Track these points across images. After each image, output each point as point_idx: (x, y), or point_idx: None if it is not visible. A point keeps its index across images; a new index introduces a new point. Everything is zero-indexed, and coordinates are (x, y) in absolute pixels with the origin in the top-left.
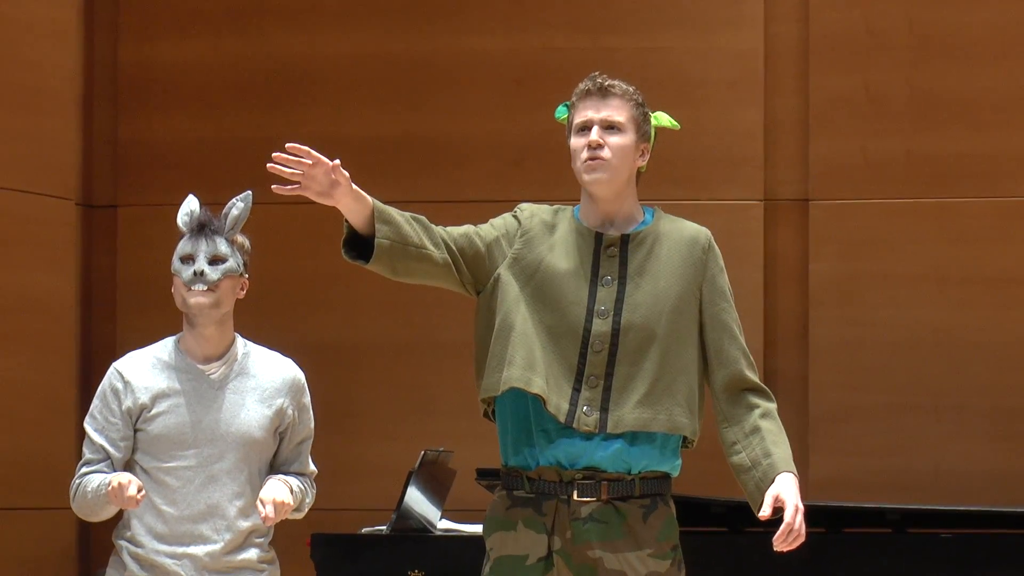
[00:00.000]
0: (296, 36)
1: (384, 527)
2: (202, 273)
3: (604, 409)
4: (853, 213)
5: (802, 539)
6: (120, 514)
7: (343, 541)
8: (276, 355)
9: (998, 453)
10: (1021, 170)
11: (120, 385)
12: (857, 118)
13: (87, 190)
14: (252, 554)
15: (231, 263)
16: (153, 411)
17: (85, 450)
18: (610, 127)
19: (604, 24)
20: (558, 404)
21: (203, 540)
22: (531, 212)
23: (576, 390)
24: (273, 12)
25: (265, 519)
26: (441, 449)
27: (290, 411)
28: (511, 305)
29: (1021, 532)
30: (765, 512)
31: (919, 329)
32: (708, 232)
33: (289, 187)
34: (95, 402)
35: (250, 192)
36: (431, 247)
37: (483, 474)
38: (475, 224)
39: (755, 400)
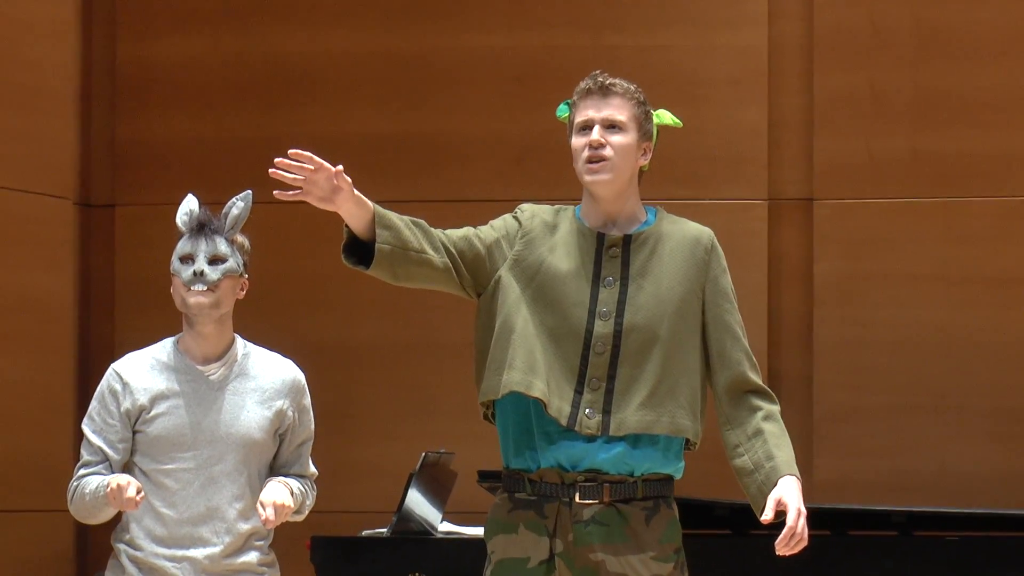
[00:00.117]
0: (296, 34)
1: (385, 529)
2: (202, 273)
3: (606, 412)
4: (857, 212)
5: (804, 543)
6: (119, 516)
7: (343, 543)
8: (276, 356)
9: (1003, 454)
10: None
11: (119, 386)
12: (861, 117)
13: (85, 189)
14: (252, 557)
15: (231, 263)
16: (152, 413)
17: (83, 452)
18: (612, 126)
19: (606, 22)
20: (560, 407)
21: (203, 543)
22: (532, 213)
23: (578, 392)
24: (272, 10)
25: (265, 522)
26: (442, 451)
27: (290, 413)
28: (512, 307)
29: None
30: (767, 516)
31: (924, 329)
32: (711, 233)
33: (291, 192)
34: (93, 403)
35: (250, 191)
36: (431, 251)
37: (484, 476)
38: (475, 226)
39: (758, 402)
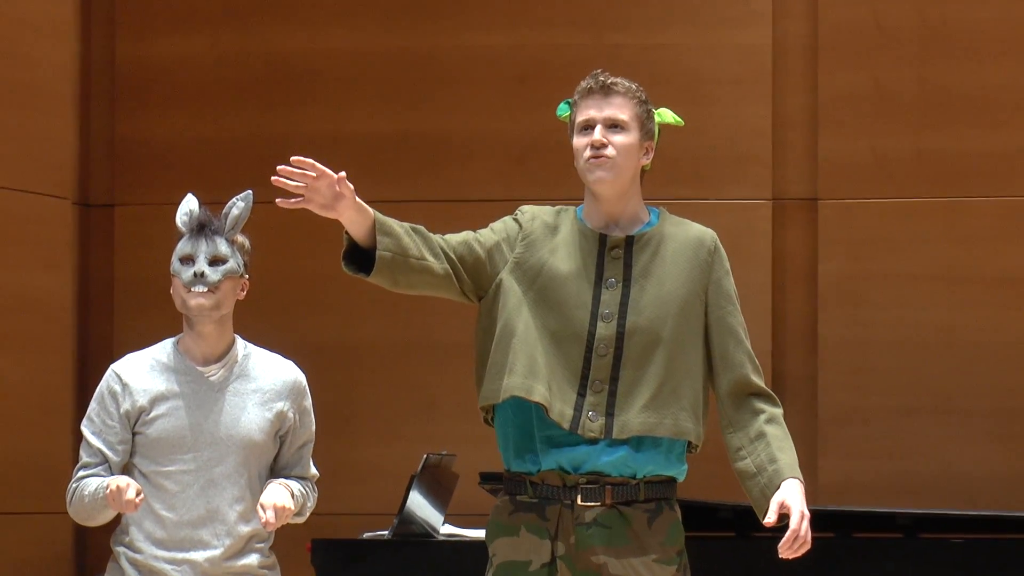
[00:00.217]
0: (296, 33)
1: (386, 532)
2: (202, 274)
3: (609, 414)
4: (862, 212)
5: (807, 546)
6: (118, 519)
7: (344, 546)
8: (277, 357)
9: (1008, 455)
10: None
11: (118, 388)
12: (866, 116)
13: (84, 189)
14: (253, 559)
15: (231, 264)
16: (152, 414)
17: (82, 453)
18: (613, 126)
19: (608, 20)
20: (562, 411)
21: (203, 545)
22: (532, 214)
23: (581, 395)
24: (272, 9)
25: (266, 524)
26: (444, 453)
27: (291, 414)
28: (512, 310)
29: None
30: (770, 519)
31: (928, 329)
32: (714, 234)
33: (293, 200)
34: (92, 405)
35: (250, 191)
36: (431, 258)
37: (486, 478)
38: (475, 229)
39: (760, 405)
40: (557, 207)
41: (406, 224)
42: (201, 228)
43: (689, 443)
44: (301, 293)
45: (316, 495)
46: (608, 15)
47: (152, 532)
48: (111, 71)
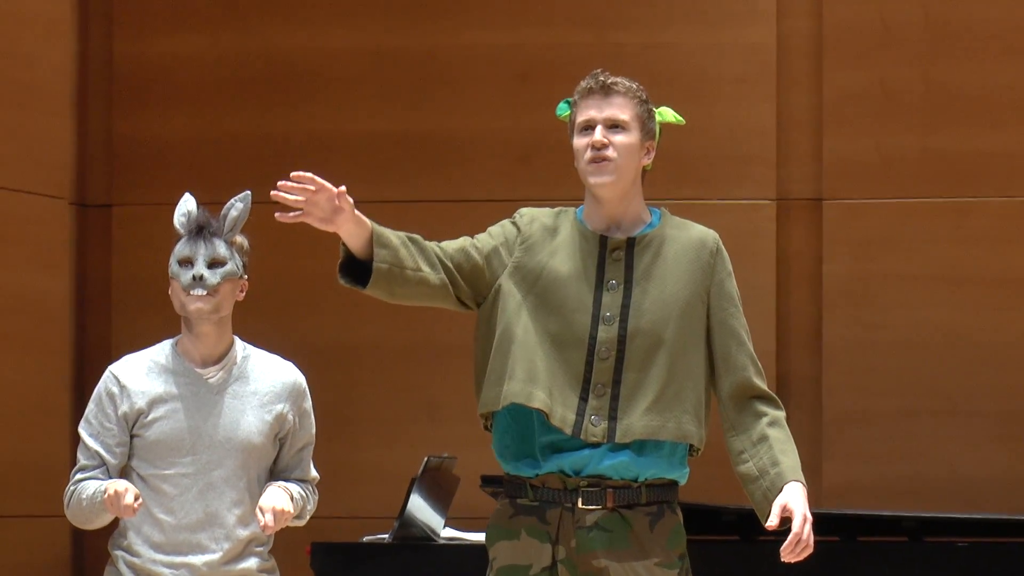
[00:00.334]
0: (296, 31)
1: (386, 535)
2: (201, 277)
3: (612, 418)
4: (867, 212)
5: (810, 550)
6: (116, 522)
7: (344, 550)
8: (276, 358)
9: (1015, 458)
10: None
11: (116, 389)
12: (872, 115)
13: (81, 189)
14: (252, 563)
15: (230, 266)
16: (150, 416)
17: (80, 456)
18: (614, 126)
19: (611, 18)
20: (564, 416)
21: (201, 549)
22: (531, 217)
23: (583, 399)
24: (272, 6)
25: (264, 528)
26: (445, 455)
27: (291, 416)
28: (512, 315)
29: None
30: (772, 522)
31: (934, 331)
32: (716, 235)
33: (292, 214)
34: (90, 406)
35: (249, 192)
36: (427, 269)
37: (487, 481)
38: (472, 234)
39: (763, 408)
40: (556, 208)
41: (403, 234)
42: (200, 230)
43: (691, 446)
44: (301, 294)
45: (316, 498)
46: (610, 13)
47: (150, 536)
48: (109, 70)
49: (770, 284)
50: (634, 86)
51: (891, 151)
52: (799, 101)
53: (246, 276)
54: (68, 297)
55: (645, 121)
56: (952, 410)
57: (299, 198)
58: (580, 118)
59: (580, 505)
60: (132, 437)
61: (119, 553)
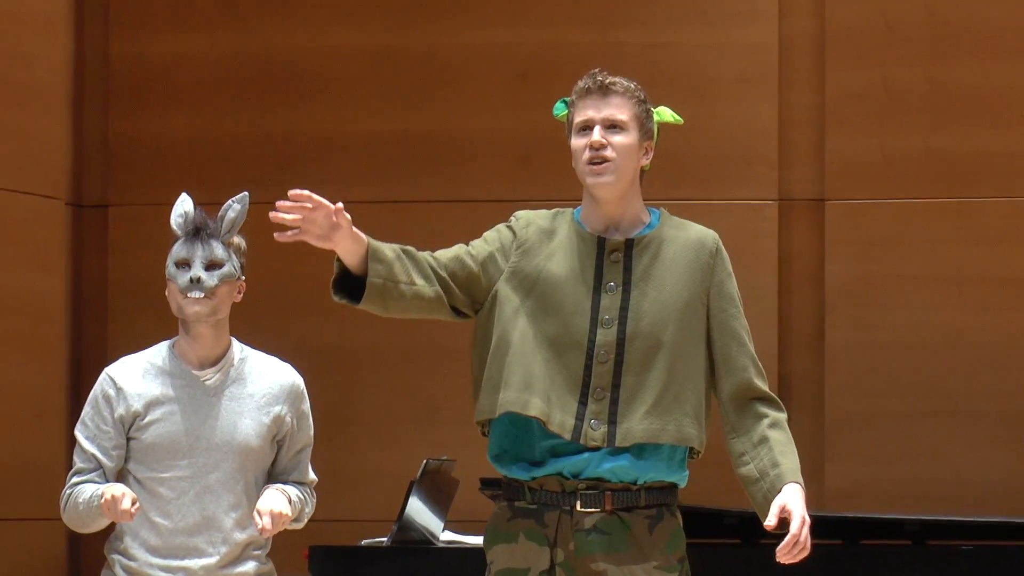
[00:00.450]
0: (294, 30)
1: (385, 539)
2: (199, 280)
3: (612, 422)
4: (870, 213)
5: (807, 552)
6: (112, 525)
7: (342, 553)
8: (274, 360)
9: (1020, 461)
10: None
11: (112, 392)
12: (874, 115)
13: (77, 189)
14: (249, 567)
15: (228, 268)
16: (147, 419)
17: (76, 459)
18: (612, 126)
19: (612, 17)
20: (563, 421)
21: (198, 553)
22: (527, 220)
23: (582, 403)
24: (271, 6)
25: (262, 531)
26: (444, 458)
27: (288, 419)
28: (508, 321)
29: None
30: (771, 522)
31: (938, 332)
32: (716, 235)
33: (289, 233)
34: (86, 409)
35: (246, 193)
36: (421, 281)
37: (487, 483)
38: (470, 239)
39: (764, 410)
40: (554, 210)
41: (397, 247)
42: (197, 231)
43: (692, 449)
44: (300, 295)
45: (314, 501)
46: (611, 12)
47: (147, 539)
48: (105, 69)
49: (772, 285)
50: (632, 86)
51: (894, 151)
52: (801, 101)
53: (243, 277)
54: (64, 298)
55: (643, 121)
56: (955, 411)
57: (296, 216)
58: (578, 118)
59: (578, 508)
60: (129, 440)
61: (115, 557)
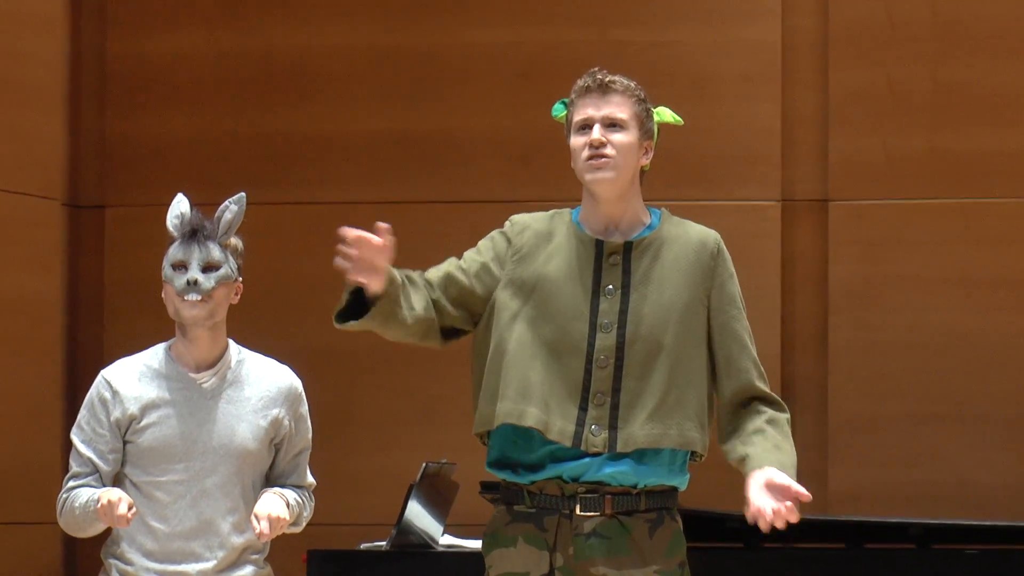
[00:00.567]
0: (293, 29)
1: (384, 543)
2: (195, 282)
3: (613, 427)
4: (874, 213)
5: (794, 518)
6: (109, 530)
7: (341, 557)
8: (272, 362)
9: None
10: None
11: (108, 395)
12: (879, 114)
13: (73, 190)
14: (247, 571)
15: (225, 270)
16: (143, 422)
17: (72, 463)
18: (612, 125)
19: (613, 16)
20: (562, 428)
21: (195, 558)
22: (522, 225)
23: (583, 409)
24: (269, 4)
25: (259, 535)
26: (443, 461)
27: (286, 421)
28: (504, 329)
29: None
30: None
31: (943, 334)
32: (717, 235)
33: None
34: (82, 412)
35: (243, 194)
36: (420, 308)
37: (487, 487)
38: (461, 253)
39: (763, 408)
40: (551, 211)
41: (402, 273)
42: (193, 233)
43: (694, 452)
44: (297, 296)
45: (313, 504)
46: (612, 11)
47: (143, 544)
48: (102, 67)
49: (775, 286)
50: (632, 85)
51: (898, 151)
52: (804, 100)
53: (240, 279)
54: (60, 299)
55: (643, 120)
56: (960, 415)
57: (351, 254)
58: (577, 117)
59: (578, 512)
60: (125, 443)
61: (112, 561)
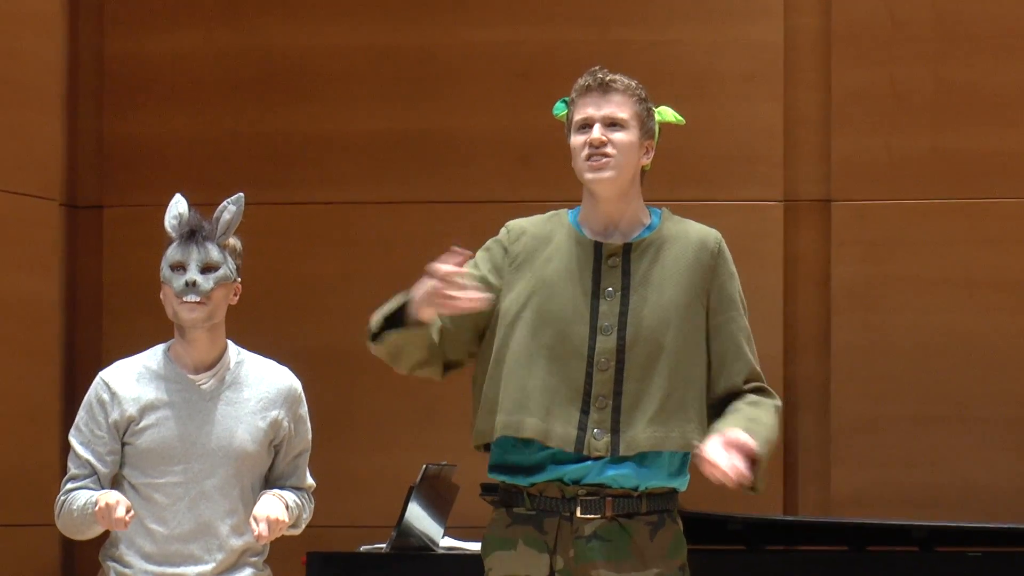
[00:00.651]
0: (292, 28)
1: (384, 545)
2: (194, 283)
3: (615, 431)
4: (877, 214)
5: (744, 477)
6: (107, 532)
7: (340, 560)
8: (271, 363)
9: None
10: None
11: (107, 396)
12: (881, 114)
13: (71, 190)
14: (246, 574)
15: (224, 271)
16: (141, 424)
17: (70, 465)
18: (612, 124)
19: (614, 15)
20: (564, 433)
21: (194, 560)
22: (519, 230)
23: (584, 412)
24: (268, 3)
25: (258, 537)
26: (444, 463)
27: (286, 423)
28: (503, 337)
29: None
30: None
31: (947, 335)
32: (718, 235)
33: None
34: (80, 413)
35: (242, 195)
36: (434, 340)
37: (487, 489)
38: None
39: (748, 394)
40: (548, 213)
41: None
42: (192, 234)
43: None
44: (296, 297)
45: (312, 506)
46: (613, 10)
47: (142, 546)
48: (100, 66)
49: (777, 287)
50: (633, 84)
51: (901, 151)
52: (807, 100)
53: (239, 279)
54: (58, 300)
55: (644, 120)
56: (964, 416)
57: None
58: (578, 116)
59: (578, 514)
60: (123, 445)
61: (110, 564)
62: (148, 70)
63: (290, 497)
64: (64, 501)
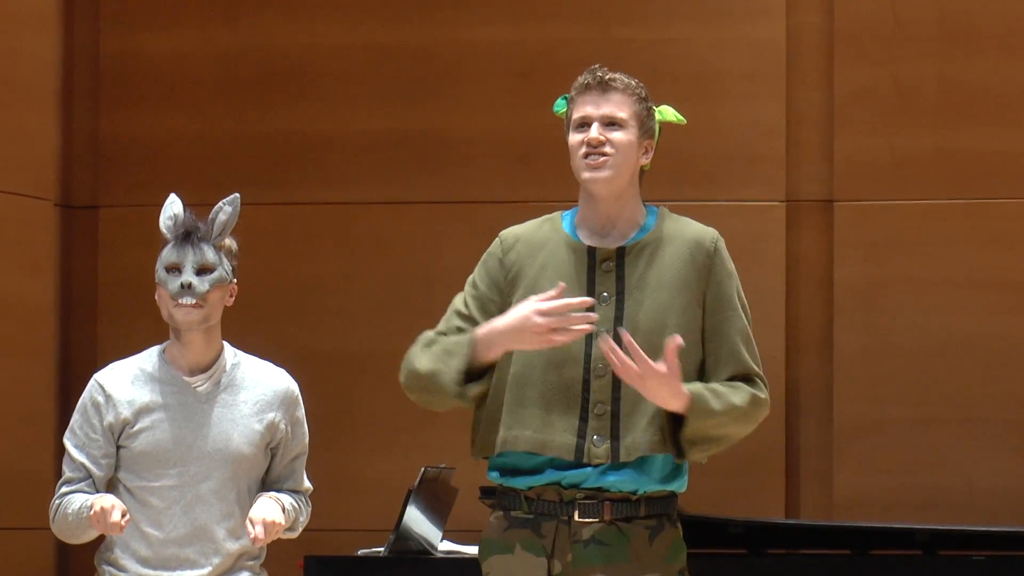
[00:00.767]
0: (290, 27)
1: (382, 548)
2: (190, 285)
3: (615, 437)
4: (880, 214)
5: (651, 377)
6: (103, 536)
7: (338, 563)
8: (268, 365)
9: None
10: None
11: (101, 399)
12: (884, 113)
13: (66, 190)
14: None
15: (219, 272)
16: (136, 427)
17: (65, 468)
18: (611, 123)
19: (616, 14)
20: (563, 443)
21: (190, 564)
22: (513, 239)
23: (583, 420)
24: (266, 2)
25: (254, 540)
26: (442, 466)
27: (283, 425)
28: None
29: None
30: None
31: (950, 337)
32: (715, 234)
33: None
34: (75, 416)
35: (237, 195)
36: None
37: (486, 492)
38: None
39: (731, 379)
40: (541, 218)
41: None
42: (187, 235)
43: None
44: (294, 298)
45: (309, 509)
46: (614, 8)
47: (137, 550)
48: (95, 65)
49: (779, 288)
50: (633, 83)
51: (904, 151)
52: (809, 99)
53: (235, 281)
54: (53, 301)
55: (644, 119)
56: (968, 418)
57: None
58: (576, 114)
59: (577, 518)
60: (118, 448)
61: (106, 568)
62: (145, 69)
63: (287, 500)
64: (59, 505)
